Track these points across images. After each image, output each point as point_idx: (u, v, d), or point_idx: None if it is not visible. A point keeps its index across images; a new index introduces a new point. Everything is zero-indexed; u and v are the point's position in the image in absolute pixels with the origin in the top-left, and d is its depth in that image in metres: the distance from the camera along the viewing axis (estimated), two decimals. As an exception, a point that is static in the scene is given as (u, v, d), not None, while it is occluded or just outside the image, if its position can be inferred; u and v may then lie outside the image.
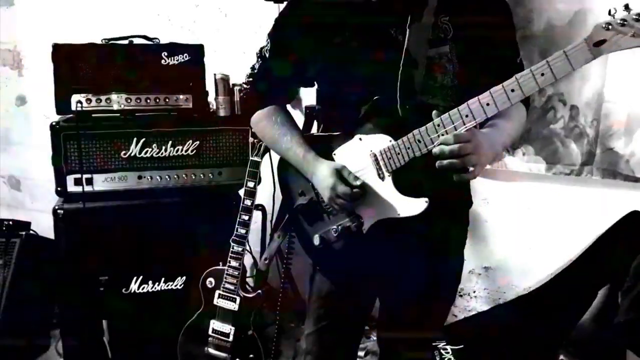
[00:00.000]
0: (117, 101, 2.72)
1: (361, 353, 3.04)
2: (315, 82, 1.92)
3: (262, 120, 1.90)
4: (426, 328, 1.92)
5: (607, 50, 1.35)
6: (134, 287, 2.78)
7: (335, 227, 1.75)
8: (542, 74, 1.42)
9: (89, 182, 2.71)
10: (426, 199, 1.61)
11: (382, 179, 1.68)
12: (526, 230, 2.98)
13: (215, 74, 2.85)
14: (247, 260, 2.88)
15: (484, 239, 3.08)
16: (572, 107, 2.75)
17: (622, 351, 2.48)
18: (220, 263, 2.63)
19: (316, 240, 1.79)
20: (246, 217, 2.56)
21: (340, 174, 1.71)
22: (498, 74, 1.68)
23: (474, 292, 3.17)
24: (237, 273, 2.57)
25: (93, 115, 2.71)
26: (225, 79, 2.84)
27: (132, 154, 2.74)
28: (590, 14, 2.63)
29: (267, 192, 2.66)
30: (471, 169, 1.51)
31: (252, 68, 1.91)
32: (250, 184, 2.56)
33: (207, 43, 2.89)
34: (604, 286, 2.77)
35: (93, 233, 2.69)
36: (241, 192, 2.68)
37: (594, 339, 2.78)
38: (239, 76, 2.87)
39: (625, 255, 2.62)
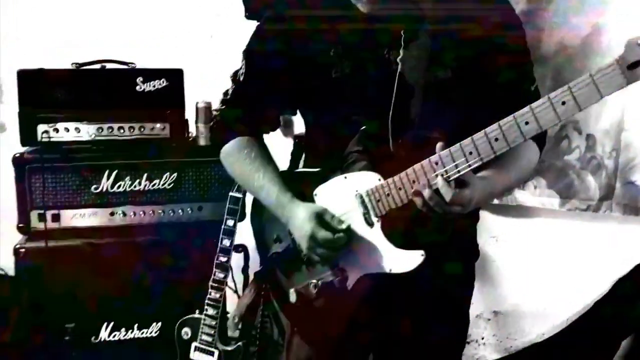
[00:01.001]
0: (88, 131, 2.51)
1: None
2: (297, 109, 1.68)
3: (232, 154, 1.64)
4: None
5: (646, 74, 1.09)
6: (104, 335, 2.53)
7: (314, 281, 1.48)
8: (563, 103, 1.16)
9: (56, 218, 2.50)
10: (422, 252, 1.34)
11: (370, 225, 1.42)
12: (539, 271, 2.73)
13: (197, 102, 2.62)
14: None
15: (493, 281, 2.82)
16: (588, 136, 2.51)
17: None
18: (197, 311, 2.36)
19: (292, 296, 1.52)
20: (224, 259, 2.31)
21: (321, 217, 1.44)
22: (509, 103, 1.43)
23: (483, 338, 2.89)
24: (214, 323, 2.30)
25: (61, 146, 2.50)
26: (207, 107, 2.62)
27: (104, 188, 2.52)
28: (605, 31, 2.40)
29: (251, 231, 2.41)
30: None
31: (225, 93, 1.67)
32: (230, 222, 2.31)
33: (190, 66, 2.68)
34: (628, 335, 2.52)
35: (59, 275, 2.45)
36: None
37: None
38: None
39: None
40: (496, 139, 1.24)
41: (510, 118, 1.22)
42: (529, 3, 2.50)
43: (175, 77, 2.58)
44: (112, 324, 2.53)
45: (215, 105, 2.57)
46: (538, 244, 2.73)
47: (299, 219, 1.47)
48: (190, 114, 2.65)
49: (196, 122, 2.64)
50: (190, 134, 2.68)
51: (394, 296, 1.48)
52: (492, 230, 2.73)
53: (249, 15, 2.45)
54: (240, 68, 1.64)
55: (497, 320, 2.86)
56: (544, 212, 2.65)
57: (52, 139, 2.47)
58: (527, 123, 1.20)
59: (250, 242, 2.48)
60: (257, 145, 1.63)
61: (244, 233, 2.39)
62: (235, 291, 2.63)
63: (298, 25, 1.53)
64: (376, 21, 1.44)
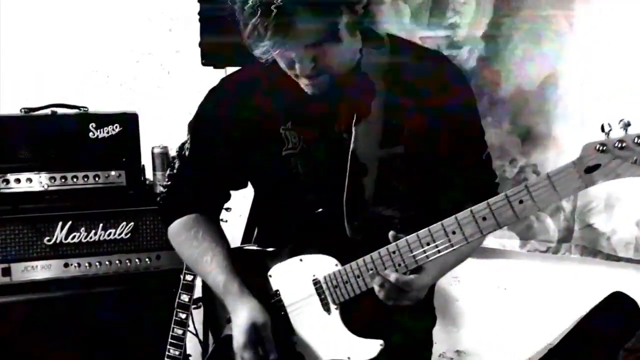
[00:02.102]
0: (39, 181, 2.41)
1: None
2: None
3: (180, 234, 1.58)
4: None
5: (602, 178, 1.08)
6: (61, 390, 2.43)
7: None
8: (521, 201, 1.15)
9: (6, 272, 2.38)
10: (381, 342, 1.32)
11: (328, 311, 1.39)
12: (500, 310, 2.78)
13: (152, 148, 2.55)
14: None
15: (455, 320, 2.83)
16: (546, 178, 2.52)
17: None
18: (158, 366, 2.30)
19: None
20: (183, 316, 2.26)
21: (257, 333, 1.41)
22: (462, 173, 1.44)
23: (446, 377, 2.89)
24: (174, 380, 2.25)
25: (12, 197, 2.39)
26: (163, 152, 2.55)
27: (57, 240, 2.42)
28: (562, 76, 2.43)
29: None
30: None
31: (171, 168, 1.61)
32: (189, 277, 2.26)
33: (145, 108, 2.62)
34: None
35: (11, 330, 2.35)
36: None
37: None
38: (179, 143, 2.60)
39: (609, 341, 2.41)
40: (454, 232, 1.22)
41: (466, 213, 1.21)
42: (487, 48, 2.51)
43: (129, 121, 2.49)
44: (68, 378, 2.45)
45: (173, 150, 2.54)
46: (499, 284, 2.75)
47: (239, 318, 1.44)
48: (146, 160, 2.58)
49: (153, 168, 2.57)
50: (147, 181, 2.60)
51: None
52: (453, 271, 2.71)
53: (206, 62, 2.39)
54: (186, 142, 1.59)
55: (460, 359, 2.87)
56: (504, 253, 2.68)
57: (2, 191, 2.37)
58: (484, 219, 1.19)
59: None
60: (205, 223, 1.58)
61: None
62: (196, 335, 2.58)
63: (247, 98, 1.49)
64: (326, 100, 1.40)
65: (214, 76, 2.50)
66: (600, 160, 1.08)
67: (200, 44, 2.43)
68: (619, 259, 2.45)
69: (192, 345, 2.57)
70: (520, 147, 2.54)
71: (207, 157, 1.55)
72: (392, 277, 1.26)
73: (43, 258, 2.42)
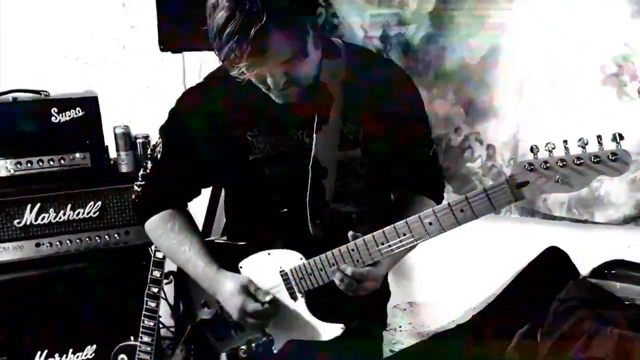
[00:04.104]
0: (5, 167, 2.48)
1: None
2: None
3: (157, 228, 1.70)
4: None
5: (529, 194, 1.26)
6: (38, 363, 2.57)
7: (244, 347, 1.62)
8: (462, 210, 1.33)
9: (-21, 255, 2.48)
10: (342, 325, 1.51)
11: (295, 299, 1.56)
12: (449, 265, 2.97)
13: (114, 128, 2.62)
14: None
15: (408, 276, 3.05)
16: (488, 146, 2.72)
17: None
18: (132, 337, 2.46)
19: (224, 359, 1.65)
20: (155, 290, 2.39)
21: (247, 290, 1.57)
22: (411, 172, 1.60)
23: (400, 326, 3.14)
24: (150, 349, 2.41)
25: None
26: (126, 132, 2.62)
27: (27, 222, 2.50)
28: (502, 51, 2.59)
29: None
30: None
31: (144, 169, 1.72)
32: (159, 254, 2.37)
33: (104, 89, 2.67)
34: (525, 321, 2.81)
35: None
36: (152, 249, 2.51)
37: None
38: (141, 124, 2.68)
39: (545, 291, 2.65)
40: (404, 234, 1.39)
41: (415, 218, 1.37)
42: (433, 26, 2.63)
43: (90, 104, 2.55)
44: (46, 351, 2.57)
45: (134, 130, 2.63)
46: (448, 241, 2.95)
47: (227, 291, 1.57)
48: (109, 140, 2.65)
49: (116, 148, 2.64)
50: (111, 161, 2.68)
51: (318, 354, 1.62)
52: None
53: (164, 48, 2.45)
54: (157, 145, 1.68)
55: (412, 309, 3.11)
56: (452, 214, 2.87)
57: (-32, 178, 2.43)
58: (430, 224, 1.36)
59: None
60: (180, 217, 1.70)
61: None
62: (167, 299, 2.73)
63: (216, 105, 1.60)
64: (289, 108, 1.52)
65: (168, 53, 2.57)
66: (529, 178, 1.25)
67: (158, 30, 2.46)
68: (553, 218, 2.68)
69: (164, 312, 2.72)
70: (464, 117, 2.71)
71: (178, 160, 1.65)
72: (349, 270, 1.43)
73: (14, 240, 2.50)
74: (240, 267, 1.63)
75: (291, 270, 1.55)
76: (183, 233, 1.67)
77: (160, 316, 2.49)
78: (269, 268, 1.58)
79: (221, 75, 1.57)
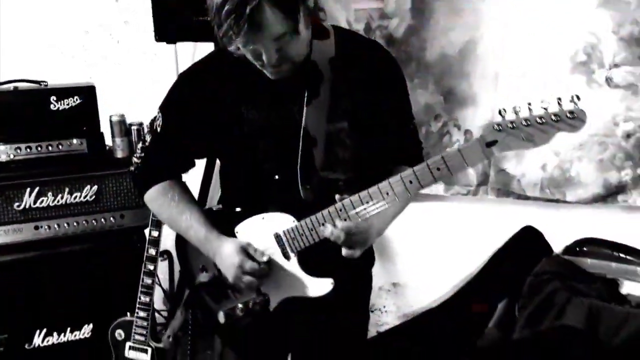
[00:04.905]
0: (6, 152, 2.58)
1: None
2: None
3: (157, 199, 1.81)
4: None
5: (498, 151, 1.40)
6: (37, 340, 2.67)
7: (241, 305, 1.73)
8: (438, 169, 1.46)
9: (-20, 237, 2.57)
10: (332, 280, 1.64)
11: (288, 258, 1.69)
12: (429, 246, 3.11)
13: (110, 116, 2.73)
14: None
15: (391, 258, 3.18)
16: (466, 131, 2.87)
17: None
18: (128, 313, 2.57)
19: (221, 318, 1.74)
20: (151, 267, 2.51)
21: (246, 251, 1.69)
22: (394, 144, 1.73)
23: (385, 307, 3.28)
24: (146, 324, 2.52)
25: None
26: (121, 120, 2.74)
27: (27, 205, 2.60)
28: (479, 43, 2.74)
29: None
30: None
31: (144, 141, 1.83)
32: (155, 233, 2.50)
33: (100, 79, 2.79)
34: (504, 298, 2.96)
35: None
36: (147, 231, 2.62)
37: (497, 347, 2.96)
38: (135, 113, 2.79)
39: (521, 268, 2.80)
40: (387, 193, 1.53)
41: (397, 178, 1.51)
42: (414, 19, 2.78)
43: (87, 93, 2.66)
44: (45, 329, 2.67)
45: (129, 119, 2.75)
46: (428, 223, 3.10)
47: (226, 252, 1.69)
48: (105, 127, 2.76)
49: (112, 135, 2.75)
50: (107, 147, 2.79)
51: (310, 311, 1.75)
52: (388, 215, 3.07)
53: (159, 38, 2.57)
54: (157, 119, 1.78)
55: (396, 291, 3.25)
56: (432, 197, 3.01)
57: (-30, 163, 2.52)
58: (410, 182, 1.50)
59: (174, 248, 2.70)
60: (178, 187, 1.81)
61: (168, 241, 2.60)
62: (160, 285, 2.85)
63: (212, 82, 1.73)
64: (282, 84, 1.64)
65: (161, 45, 2.69)
66: (497, 137, 1.39)
67: (154, 21, 2.58)
68: (527, 198, 2.82)
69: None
70: (444, 104, 2.85)
71: (176, 133, 1.75)
72: (339, 223, 1.56)
73: (14, 222, 2.60)
74: (237, 232, 1.75)
75: (284, 232, 1.68)
76: (182, 203, 1.78)
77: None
78: (263, 231, 1.71)
79: (218, 54, 1.71)
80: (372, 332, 3.23)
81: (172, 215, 1.79)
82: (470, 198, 2.95)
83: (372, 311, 3.27)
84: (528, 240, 2.91)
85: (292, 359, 1.91)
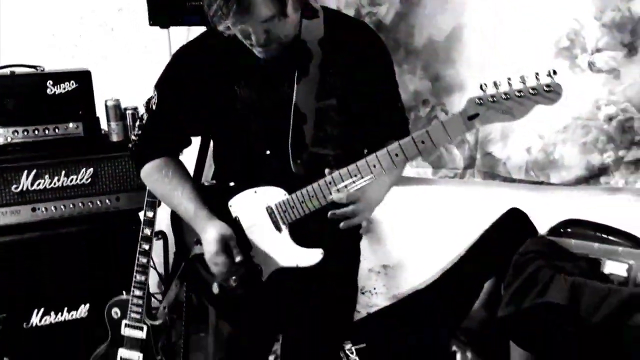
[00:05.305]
0: (4, 135, 2.63)
1: (271, 357, 3.15)
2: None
3: (152, 174, 1.87)
4: (329, 346, 2.05)
5: (479, 124, 1.47)
6: (35, 320, 2.73)
7: (234, 276, 1.80)
8: (423, 142, 1.53)
9: (-22, 218, 2.62)
10: (321, 251, 1.71)
11: (279, 230, 1.76)
12: (418, 229, 3.18)
13: (106, 100, 2.79)
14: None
15: (381, 240, 3.26)
16: (453, 115, 2.93)
17: (507, 341, 2.75)
18: (124, 292, 2.63)
19: (215, 288, 1.82)
20: (146, 247, 2.57)
21: (226, 243, 1.73)
22: (381, 120, 1.81)
23: (375, 289, 3.35)
24: (141, 302, 2.58)
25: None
26: (116, 104, 2.80)
27: (24, 188, 2.66)
28: (465, 29, 2.81)
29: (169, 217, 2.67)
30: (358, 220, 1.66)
31: (141, 119, 1.89)
32: (149, 214, 2.56)
33: (95, 65, 2.84)
34: (490, 278, 3.04)
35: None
36: (141, 214, 2.68)
37: (483, 327, 3.05)
38: (130, 98, 2.85)
39: (507, 249, 2.87)
40: (374, 166, 1.60)
41: (384, 151, 1.58)
42: (402, 6, 2.85)
43: (83, 78, 2.72)
44: (42, 309, 2.73)
45: (124, 103, 2.81)
46: (417, 206, 3.18)
47: (209, 235, 1.75)
48: (100, 112, 2.81)
49: (107, 119, 2.80)
50: (102, 131, 2.85)
51: (301, 281, 1.82)
52: (378, 198, 3.14)
53: (153, 23, 2.62)
54: (152, 98, 1.85)
55: (386, 272, 3.32)
56: (420, 180, 3.08)
57: (-31, 146, 2.57)
58: (397, 155, 1.57)
59: (169, 229, 2.76)
60: (173, 164, 1.88)
61: (163, 222, 2.65)
62: (156, 268, 2.92)
63: (206, 61, 1.79)
64: (272, 63, 1.71)
65: (154, 32, 2.75)
66: (478, 110, 1.46)
67: (148, 6, 2.63)
68: (513, 180, 2.89)
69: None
70: (431, 89, 2.92)
71: (172, 110, 1.82)
72: (335, 195, 1.62)
73: (12, 204, 2.65)
74: (230, 206, 1.82)
75: (276, 205, 1.75)
76: (176, 179, 1.85)
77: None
78: (256, 204, 1.78)
79: (211, 33, 1.77)
80: (362, 313, 3.31)
81: (165, 191, 1.86)
82: (457, 181, 3.03)
83: (363, 293, 3.35)
84: (514, 222, 2.97)
85: (284, 328, 1.98)
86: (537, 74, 1.41)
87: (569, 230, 2.85)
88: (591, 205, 2.84)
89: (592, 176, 2.77)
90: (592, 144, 2.73)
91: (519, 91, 1.41)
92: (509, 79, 1.43)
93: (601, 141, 2.72)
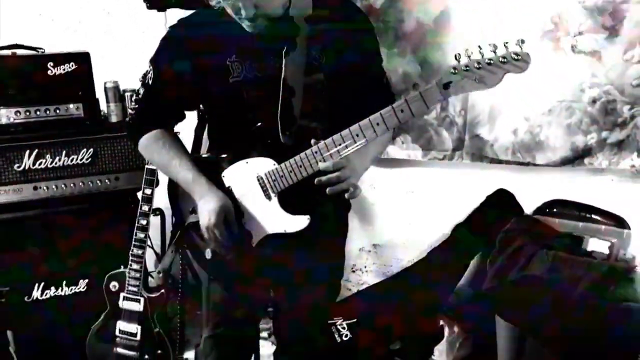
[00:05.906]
0: (6, 115, 2.72)
1: (264, 334, 3.25)
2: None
3: (149, 145, 1.96)
4: (318, 314, 2.14)
5: (453, 92, 1.56)
6: (36, 294, 2.82)
7: (227, 244, 1.89)
8: (402, 110, 1.62)
9: (-19, 196, 2.71)
10: (308, 217, 1.80)
11: (269, 199, 1.85)
12: (408, 209, 3.27)
13: (105, 83, 2.88)
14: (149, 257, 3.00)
15: (372, 220, 3.35)
16: (442, 98, 3.01)
17: (493, 314, 2.83)
18: (122, 266, 2.72)
19: (208, 254, 1.92)
20: (144, 222, 2.66)
21: (226, 214, 1.83)
22: (367, 95, 1.89)
23: (365, 267, 3.44)
24: (138, 275, 2.68)
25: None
26: (115, 86, 2.88)
27: (26, 166, 2.75)
28: (453, 13, 2.89)
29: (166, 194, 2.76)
30: (344, 185, 1.73)
31: (137, 93, 1.97)
32: (148, 191, 2.65)
33: (94, 44, 2.93)
34: (476, 254, 3.12)
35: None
36: (139, 193, 2.77)
37: (470, 302, 3.13)
38: (128, 78, 2.93)
39: (494, 228, 2.96)
40: (357, 135, 1.69)
41: (366, 121, 1.67)
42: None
43: (82, 59, 2.80)
44: (43, 283, 2.83)
45: (123, 85, 2.89)
46: (407, 188, 3.26)
47: (210, 203, 1.83)
48: (100, 94, 2.90)
49: (107, 101, 2.89)
50: (102, 112, 2.94)
51: (290, 248, 1.90)
52: (370, 178, 3.21)
53: (150, 6, 2.70)
54: (148, 72, 1.93)
55: (376, 251, 3.41)
56: (410, 162, 3.17)
57: (-28, 125, 2.65)
58: (378, 124, 1.66)
59: (166, 207, 2.85)
60: (169, 136, 1.97)
61: (160, 199, 2.74)
62: (152, 247, 3.01)
63: (199, 36, 1.88)
64: (263, 37, 1.80)
65: (151, 16, 2.82)
66: (452, 79, 1.55)
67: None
68: (500, 162, 2.97)
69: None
70: (420, 72, 3.01)
71: (166, 84, 1.90)
72: (322, 164, 1.71)
73: (14, 183, 2.74)
74: (223, 177, 1.91)
75: (265, 174, 1.84)
76: (173, 150, 1.94)
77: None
78: (247, 174, 1.87)
79: (204, 9, 1.87)
80: (353, 290, 3.40)
81: (163, 160, 1.95)
82: (446, 163, 3.11)
83: (354, 271, 3.44)
84: (501, 202, 3.06)
85: (274, 291, 2.07)
86: (505, 43, 1.49)
87: (554, 210, 2.92)
88: (575, 186, 2.91)
89: (577, 157, 2.85)
90: (577, 126, 2.81)
91: (490, 59, 1.50)
92: (480, 47, 1.52)
93: (585, 123, 2.80)
